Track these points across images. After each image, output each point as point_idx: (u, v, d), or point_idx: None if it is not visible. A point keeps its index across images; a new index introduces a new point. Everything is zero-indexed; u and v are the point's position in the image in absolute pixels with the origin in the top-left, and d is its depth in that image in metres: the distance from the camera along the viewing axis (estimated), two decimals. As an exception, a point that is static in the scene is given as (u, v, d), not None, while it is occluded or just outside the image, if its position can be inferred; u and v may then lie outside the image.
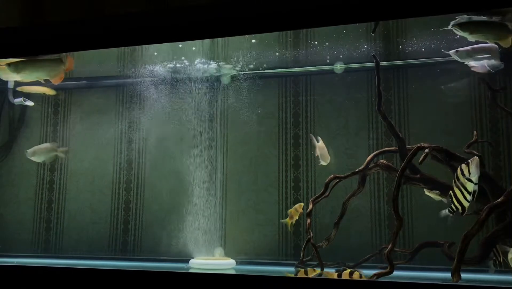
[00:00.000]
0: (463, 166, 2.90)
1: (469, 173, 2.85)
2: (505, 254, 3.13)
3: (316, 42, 4.60)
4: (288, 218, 3.93)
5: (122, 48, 4.76)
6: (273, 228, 4.58)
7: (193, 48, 4.65)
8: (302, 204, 3.93)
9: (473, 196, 2.89)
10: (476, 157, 2.87)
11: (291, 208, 4.03)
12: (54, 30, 3.19)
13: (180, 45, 4.58)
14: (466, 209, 2.94)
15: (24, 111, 5.41)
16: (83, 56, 5.06)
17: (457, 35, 3.39)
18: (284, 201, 4.61)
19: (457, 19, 3.28)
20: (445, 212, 3.06)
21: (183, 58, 4.72)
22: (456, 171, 2.97)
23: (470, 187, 2.86)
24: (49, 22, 3.08)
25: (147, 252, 4.83)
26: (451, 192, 2.99)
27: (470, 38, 3.31)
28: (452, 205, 2.98)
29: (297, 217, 3.92)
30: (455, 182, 2.96)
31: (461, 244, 2.86)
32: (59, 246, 5.09)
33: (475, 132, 3.55)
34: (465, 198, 2.90)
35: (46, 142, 5.28)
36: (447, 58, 4.23)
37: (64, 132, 5.29)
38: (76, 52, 4.76)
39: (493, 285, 3.05)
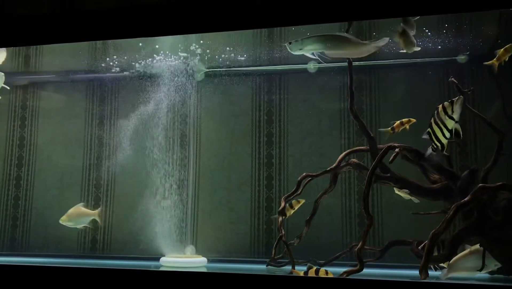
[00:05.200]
0: (446, 103, 2.91)
1: (453, 111, 2.86)
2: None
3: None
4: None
5: (92, 42, 4.66)
6: (245, 226, 4.58)
7: (167, 43, 4.59)
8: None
9: (455, 134, 2.90)
10: (461, 96, 2.89)
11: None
12: (23, 23, 3.11)
13: (155, 40, 4.52)
14: (445, 146, 2.96)
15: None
16: (53, 50, 4.95)
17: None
18: (256, 199, 4.60)
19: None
20: (429, 150, 3.10)
21: (156, 54, 4.66)
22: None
23: (451, 124, 2.88)
24: (18, 14, 3.00)
25: (117, 250, 4.75)
26: (429, 129, 2.99)
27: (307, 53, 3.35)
28: (433, 144, 2.99)
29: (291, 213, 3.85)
30: (434, 119, 2.96)
31: (429, 242, 2.91)
32: (25, 243, 4.96)
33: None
34: (444, 135, 2.92)
35: (13, 136, 5.14)
36: (418, 59, 4.31)
37: (32, 127, 5.16)
38: (46, 46, 4.67)
39: (460, 282, 3.11)
